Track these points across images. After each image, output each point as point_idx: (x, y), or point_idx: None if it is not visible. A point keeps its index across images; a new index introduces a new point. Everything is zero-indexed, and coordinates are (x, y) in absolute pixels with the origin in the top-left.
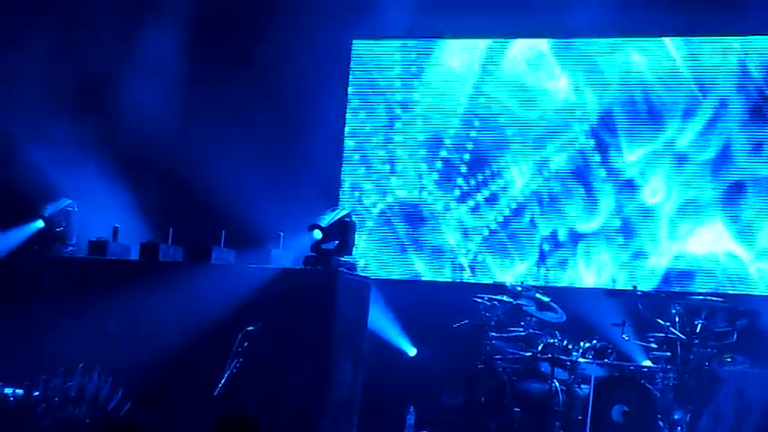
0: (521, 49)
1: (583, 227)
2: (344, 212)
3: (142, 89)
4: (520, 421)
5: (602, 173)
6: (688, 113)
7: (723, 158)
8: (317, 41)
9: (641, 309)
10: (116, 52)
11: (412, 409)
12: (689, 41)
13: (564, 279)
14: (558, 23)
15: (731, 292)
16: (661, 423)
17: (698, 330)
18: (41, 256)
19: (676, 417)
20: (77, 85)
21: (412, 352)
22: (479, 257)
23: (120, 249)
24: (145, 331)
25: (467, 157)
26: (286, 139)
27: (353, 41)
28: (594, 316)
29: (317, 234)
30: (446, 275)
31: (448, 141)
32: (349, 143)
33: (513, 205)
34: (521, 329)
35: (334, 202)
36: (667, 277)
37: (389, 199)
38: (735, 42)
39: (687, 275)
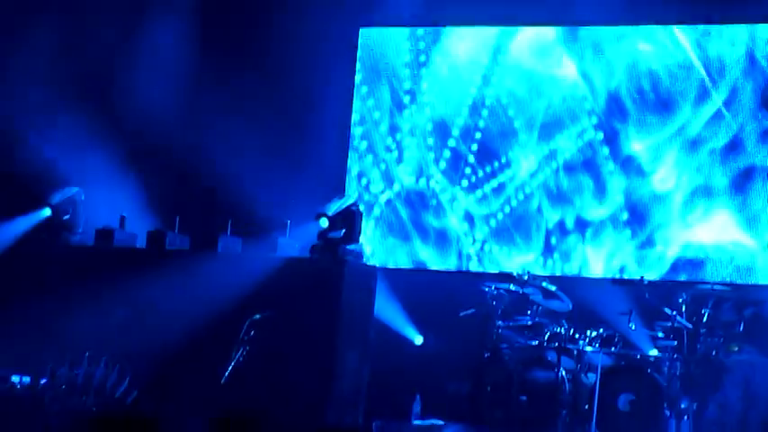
0: (528, 37)
1: (590, 215)
2: (351, 201)
3: (149, 77)
4: (526, 410)
5: (610, 161)
6: (696, 102)
7: (732, 147)
8: (324, 30)
9: (648, 298)
10: (124, 41)
11: (418, 397)
12: (696, 30)
13: (571, 268)
14: (566, 12)
15: (738, 281)
16: (667, 412)
17: (705, 320)
18: (49, 245)
19: (683, 406)
20: (85, 73)
21: (418, 340)
22: (486, 247)
23: (127, 238)
24: (151, 319)
25: (474, 147)
26: (293, 127)
27: (360, 29)
28: (601, 305)
29: (324, 222)
30: (452, 264)
31: (456, 131)
32: (356, 131)
33: (521, 195)
34: (527, 318)
35: (340, 191)
36: (675, 266)
37: (396, 187)
38: (742, 30)
39: (694, 264)
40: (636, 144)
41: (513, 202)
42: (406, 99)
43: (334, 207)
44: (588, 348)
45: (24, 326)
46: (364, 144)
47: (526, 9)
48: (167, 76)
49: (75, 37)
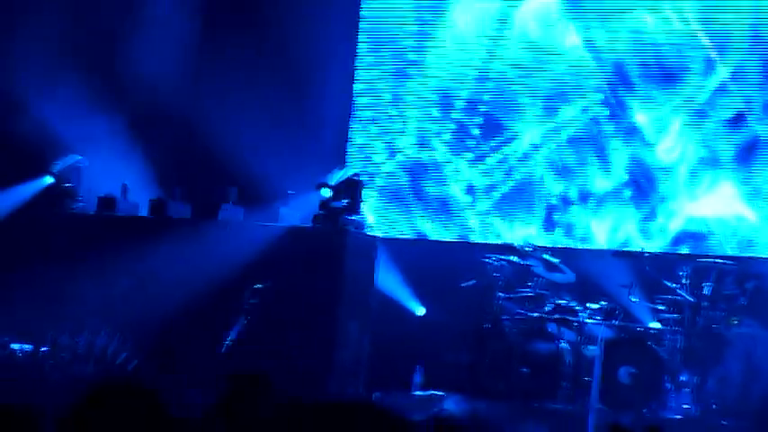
0: (533, 8)
1: (594, 187)
2: (353, 171)
3: (151, 45)
4: (527, 381)
5: (615, 134)
6: (701, 74)
7: (737, 120)
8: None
9: (649, 271)
10: (126, 8)
11: (419, 368)
12: (700, 2)
13: (574, 240)
14: None
15: (741, 254)
16: (668, 385)
17: (706, 292)
18: (51, 212)
19: (684, 379)
20: (87, 41)
21: (420, 311)
22: (488, 219)
23: (129, 206)
24: (153, 288)
25: (479, 119)
26: (295, 96)
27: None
28: (603, 277)
29: (326, 192)
30: (454, 235)
31: (460, 103)
32: (359, 101)
33: (524, 168)
34: (529, 290)
35: (343, 161)
36: (677, 239)
37: (400, 158)
38: (747, 2)
39: (696, 237)
40: (640, 116)
41: (517, 175)
42: (411, 70)
43: (336, 177)
44: (589, 320)
45: (26, 293)
46: (367, 114)
47: None
48: (169, 44)
49: (77, 4)
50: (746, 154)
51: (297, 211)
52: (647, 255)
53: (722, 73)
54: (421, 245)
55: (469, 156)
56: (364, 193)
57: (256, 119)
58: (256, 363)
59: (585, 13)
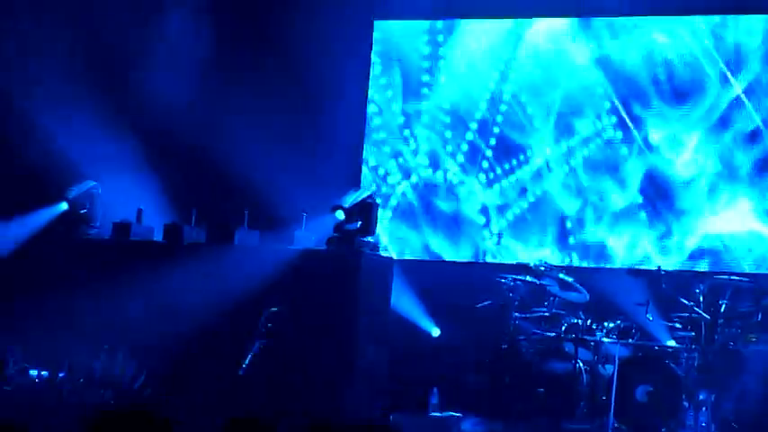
0: (544, 28)
1: (609, 206)
2: (367, 193)
3: (166, 69)
4: (544, 401)
5: (629, 151)
6: (714, 90)
7: (752, 137)
8: (341, 22)
9: (665, 288)
10: (140, 33)
11: (436, 389)
12: (712, 20)
13: (589, 259)
14: (581, 3)
15: (756, 271)
16: (686, 403)
17: (722, 310)
18: (66, 239)
19: (701, 397)
20: (102, 66)
21: (435, 332)
22: (503, 239)
23: (144, 231)
24: (168, 313)
25: (492, 140)
26: (309, 119)
27: (375, 21)
28: (618, 296)
29: (340, 214)
30: (468, 256)
31: (473, 124)
32: (373, 123)
33: (538, 187)
34: (544, 310)
35: (357, 183)
36: (693, 256)
37: (413, 179)
38: (759, 20)
39: (712, 254)
40: (654, 134)
41: (531, 196)
42: (424, 90)
43: (351, 199)
44: (605, 339)
45: (42, 319)
46: (381, 135)
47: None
48: (184, 69)
49: (93, 29)
50: (763, 170)
51: (311, 234)
52: (662, 273)
53: (737, 88)
54: (435, 266)
55: (483, 176)
56: (378, 214)
57: (270, 141)
58: (273, 386)
59: (597, 32)
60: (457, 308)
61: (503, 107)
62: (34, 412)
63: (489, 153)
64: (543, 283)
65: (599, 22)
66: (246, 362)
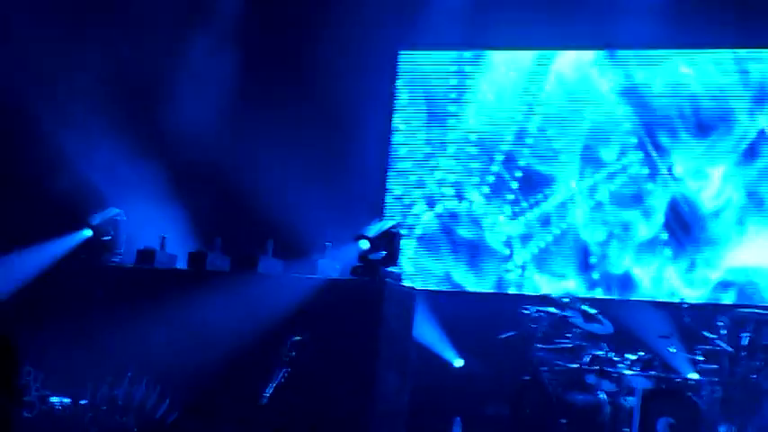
0: (570, 60)
1: (634, 238)
2: (392, 223)
3: (192, 98)
4: None
5: (654, 183)
6: (740, 125)
7: None
8: (367, 52)
9: (688, 321)
10: (167, 62)
11: (458, 420)
12: (738, 53)
13: (612, 291)
14: (607, 33)
15: None
16: None
17: (745, 343)
18: (90, 265)
19: (722, 430)
20: (129, 93)
21: (458, 363)
22: (527, 272)
23: (168, 258)
24: (192, 340)
25: (518, 173)
26: (334, 149)
27: (400, 52)
28: (641, 328)
29: (364, 244)
30: (492, 287)
31: (499, 156)
32: (398, 152)
33: (563, 221)
34: (567, 341)
35: (381, 212)
36: (716, 289)
37: (438, 209)
38: None
39: (736, 287)
40: (679, 165)
41: (555, 229)
42: (451, 121)
43: (375, 229)
44: (628, 372)
45: (65, 346)
46: (406, 164)
47: (567, 31)
48: (210, 98)
49: (119, 56)
50: None
51: (335, 263)
52: (685, 305)
53: (762, 121)
54: (458, 296)
55: (508, 208)
56: (402, 244)
57: (295, 170)
58: (295, 415)
59: (623, 63)
60: (480, 338)
61: (529, 140)
62: None
63: (515, 185)
64: (566, 314)
65: (625, 54)
66: (269, 390)
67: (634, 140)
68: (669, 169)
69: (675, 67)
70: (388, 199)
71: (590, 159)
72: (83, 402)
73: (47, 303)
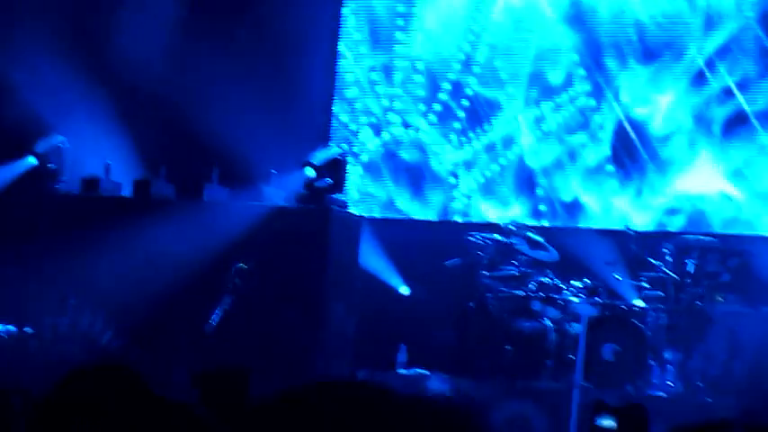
0: None
1: (580, 165)
2: (337, 150)
3: (137, 26)
4: (511, 359)
5: (601, 109)
6: (684, 52)
7: (723, 99)
8: None
9: (633, 248)
10: None
11: (404, 347)
12: None
13: (560, 219)
14: None
15: (724, 231)
16: (652, 362)
17: (690, 270)
18: (34, 194)
19: (667, 356)
20: (72, 21)
21: (404, 290)
22: (473, 199)
23: (113, 186)
24: (137, 268)
25: (465, 101)
26: (279, 76)
27: None
28: (586, 255)
29: (310, 171)
30: (438, 215)
31: (446, 84)
32: (345, 79)
33: (510, 150)
34: (513, 268)
35: (327, 139)
36: (661, 216)
37: (385, 137)
38: None
39: (682, 214)
40: (626, 92)
41: (502, 159)
42: (397, 48)
43: (321, 156)
44: (573, 298)
45: (10, 274)
46: (353, 92)
47: None
48: (154, 24)
49: None
50: (732, 131)
51: (281, 191)
52: (631, 233)
53: (708, 49)
54: (405, 224)
55: (454, 137)
56: (348, 171)
57: (240, 98)
58: (241, 343)
59: None
60: (425, 266)
61: (476, 68)
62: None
63: (461, 114)
64: (512, 241)
65: None
66: (215, 317)
67: (581, 70)
68: (616, 96)
69: None
70: (334, 125)
71: (537, 87)
72: (28, 330)
73: None
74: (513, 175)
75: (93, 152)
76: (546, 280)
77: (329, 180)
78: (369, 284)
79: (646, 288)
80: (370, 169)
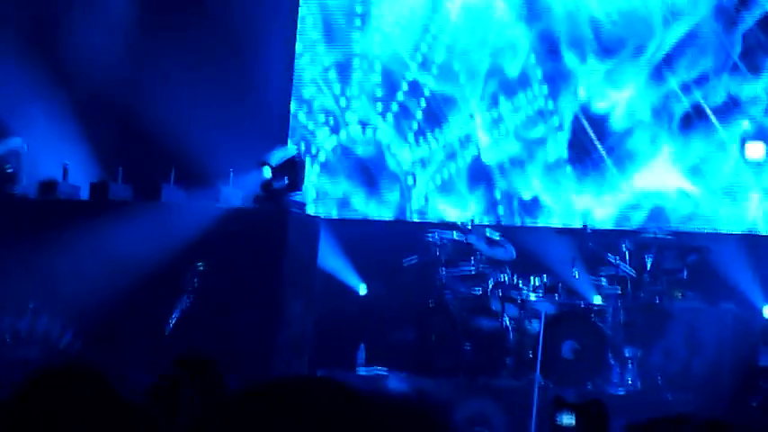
0: None
1: (538, 163)
2: (294, 150)
3: (91, 27)
4: (471, 358)
5: (558, 106)
6: (644, 46)
7: (680, 96)
8: None
9: (591, 246)
10: None
11: (363, 346)
12: None
13: (518, 217)
14: None
15: (682, 228)
16: (612, 360)
17: (648, 267)
18: None
19: (627, 353)
20: (26, 23)
21: (362, 289)
22: (431, 198)
23: (70, 189)
24: (95, 270)
25: (422, 101)
26: (236, 75)
27: None
28: (545, 253)
29: (267, 171)
30: (396, 214)
31: (403, 84)
32: (302, 78)
33: (467, 149)
34: (471, 267)
35: (284, 139)
36: (619, 213)
37: (342, 137)
38: None
39: (641, 211)
40: (582, 85)
41: (459, 159)
42: (355, 48)
43: (277, 156)
44: (532, 296)
45: None
46: (310, 91)
47: None
48: (109, 26)
49: None
50: (689, 127)
51: (238, 191)
52: (589, 230)
53: (668, 41)
54: (363, 224)
55: (412, 136)
56: (306, 172)
57: (197, 98)
58: (199, 343)
59: None
60: (384, 265)
61: (433, 68)
62: None
63: (419, 113)
64: (470, 240)
65: None
66: (173, 318)
67: (538, 68)
68: (574, 92)
69: None
70: (292, 125)
71: (494, 86)
72: None
73: None
74: (470, 174)
75: (51, 155)
76: (504, 278)
77: (286, 180)
78: (327, 284)
79: (604, 285)
80: (327, 168)
